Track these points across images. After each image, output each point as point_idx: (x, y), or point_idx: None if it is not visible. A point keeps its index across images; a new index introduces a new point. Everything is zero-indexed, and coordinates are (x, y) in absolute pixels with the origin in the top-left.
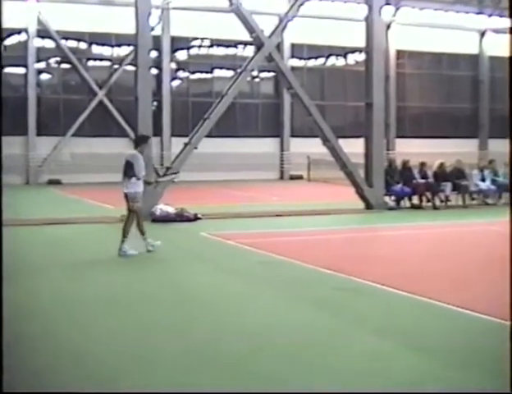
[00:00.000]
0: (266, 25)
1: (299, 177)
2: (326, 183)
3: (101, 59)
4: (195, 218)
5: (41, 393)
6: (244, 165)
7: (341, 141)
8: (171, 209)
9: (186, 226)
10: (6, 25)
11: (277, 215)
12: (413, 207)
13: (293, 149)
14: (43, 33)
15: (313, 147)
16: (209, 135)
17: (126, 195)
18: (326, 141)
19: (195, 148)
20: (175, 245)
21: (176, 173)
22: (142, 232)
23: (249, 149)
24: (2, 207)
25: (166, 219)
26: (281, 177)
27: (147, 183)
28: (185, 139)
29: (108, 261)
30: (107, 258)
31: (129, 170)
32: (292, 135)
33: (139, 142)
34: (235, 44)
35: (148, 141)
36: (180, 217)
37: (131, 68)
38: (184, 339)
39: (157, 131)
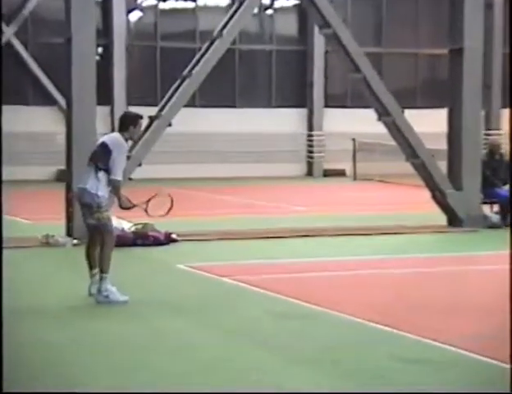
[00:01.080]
0: None
1: (339, 173)
2: (382, 183)
3: None
4: (168, 240)
5: (41, 393)
6: (250, 154)
7: (409, 114)
8: (126, 225)
9: (154, 254)
10: None
11: (301, 235)
12: None
13: (328, 128)
14: None
15: (362, 124)
16: (191, 105)
17: (83, 199)
18: (383, 115)
19: (168, 125)
20: (137, 288)
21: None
22: (92, 264)
23: (256, 128)
24: (1, 207)
25: (119, 242)
26: (310, 173)
27: (122, 207)
28: (152, 111)
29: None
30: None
31: (100, 158)
32: (327, 106)
33: (127, 123)
34: None
35: (140, 122)
36: (144, 239)
37: None
38: None
39: (104, 97)
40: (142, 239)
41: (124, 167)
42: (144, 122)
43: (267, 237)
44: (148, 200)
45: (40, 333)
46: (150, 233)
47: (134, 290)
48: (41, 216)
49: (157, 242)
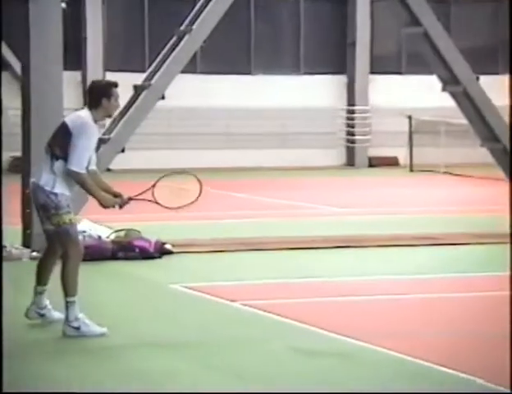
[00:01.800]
0: None
1: (390, 162)
2: (448, 175)
3: None
4: (160, 252)
5: (41, 393)
6: (270, 137)
7: (486, 82)
8: (104, 233)
9: (140, 270)
10: None
11: (338, 246)
12: None
13: (375, 102)
14: None
15: (421, 96)
16: (191, 71)
17: (37, 199)
18: (450, 83)
19: (160, 98)
20: (117, 318)
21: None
22: (41, 278)
23: (278, 102)
24: (1, 210)
25: (95, 254)
26: (350, 162)
27: (105, 206)
28: (138, 79)
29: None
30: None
31: (58, 143)
32: (374, 71)
33: (98, 95)
34: None
35: (115, 93)
36: (127, 251)
37: None
38: None
39: (74, 59)
40: (125, 250)
41: (89, 155)
42: (128, 94)
43: (292, 248)
44: (153, 185)
45: None
46: (136, 242)
47: (114, 319)
48: None
49: (144, 255)
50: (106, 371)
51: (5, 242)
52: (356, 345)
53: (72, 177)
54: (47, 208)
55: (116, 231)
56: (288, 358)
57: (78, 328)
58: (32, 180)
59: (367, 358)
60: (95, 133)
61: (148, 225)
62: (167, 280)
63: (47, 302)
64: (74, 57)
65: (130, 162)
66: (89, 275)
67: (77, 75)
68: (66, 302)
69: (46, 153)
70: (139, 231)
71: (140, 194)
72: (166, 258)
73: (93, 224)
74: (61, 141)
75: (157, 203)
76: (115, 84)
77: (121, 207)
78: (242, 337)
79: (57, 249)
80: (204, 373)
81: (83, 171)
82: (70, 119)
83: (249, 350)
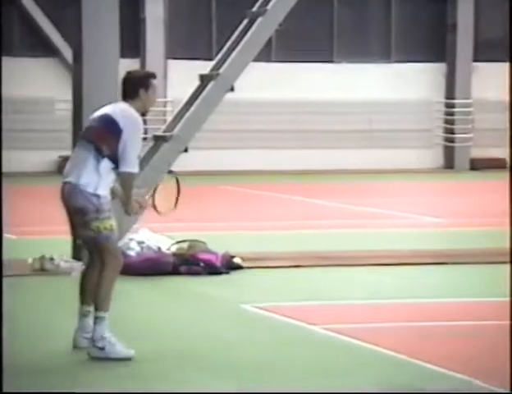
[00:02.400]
0: None
1: (496, 165)
2: None
3: None
4: (228, 267)
5: (41, 393)
6: (354, 134)
7: None
8: (165, 244)
9: (205, 287)
10: None
11: (433, 262)
12: None
13: (479, 94)
14: None
15: None
16: (265, 59)
17: (73, 202)
18: None
19: (230, 89)
20: (175, 341)
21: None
22: (85, 298)
23: (364, 94)
24: (2, 207)
25: (155, 270)
26: (449, 165)
27: (129, 213)
28: (204, 67)
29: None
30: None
31: (105, 139)
32: (478, 59)
33: (135, 87)
34: None
35: (154, 84)
36: (190, 265)
37: None
38: None
39: (132, 45)
40: (188, 264)
41: (139, 147)
42: (193, 85)
43: (381, 264)
44: (155, 190)
45: None
46: (200, 256)
47: (174, 344)
48: (33, 228)
49: (210, 269)
50: None
51: (53, 254)
52: (460, 380)
53: (125, 179)
54: (86, 211)
55: (179, 242)
56: (377, 391)
57: (103, 349)
58: (67, 179)
59: None
60: (142, 128)
61: (215, 235)
62: (237, 299)
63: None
64: (131, 42)
65: (192, 163)
66: (146, 292)
67: (135, 63)
68: (95, 317)
69: (85, 150)
70: (204, 243)
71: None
72: (234, 274)
73: (153, 234)
74: (109, 138)
75: (155, 209)
76: (153, 75)
77: (137, 214)
78: (325, 369)
79: (96, 260)
80: None
81: (136, 171)
82: (116, 113)
83: (336, 384)
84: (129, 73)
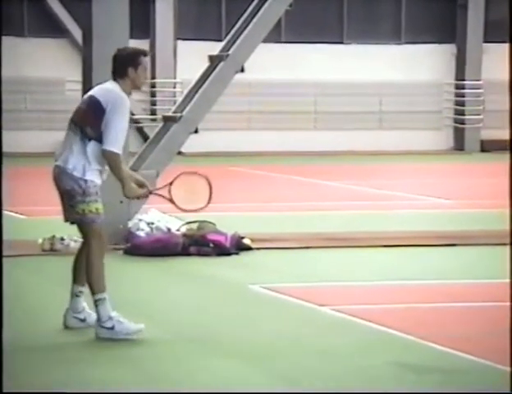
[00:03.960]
0: None
1: (507, 147)
2: None
3: None
4: (237, 248)
5: (41, 393)
6: (364, 115)
7: None
8: (174, 225)
9: (214, 268)
10: None
11: (441, 244)
12: None
13: (490, 75)
14: None
15: None
16: (275, 40)
17: (62, 184)
18: None
19: (240, 70)
20: (186, 323)
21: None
22: (78, 279)
23: (375, 75)
24: (2, 204)
25: (164, 250)
26: (459, 146)
27: (128, 196)
28: (214, 48)
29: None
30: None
31: (89, 120)
32: (488, 40)
33: (124, 65)
34: None
35: (144, 62)
36: (200, 246)
37: None
38: None
39: (141, 26)
40: (197, 245)
41: (126, 133)
42: (203, 66)
43: (390, 246)
44: (171, 183)
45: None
46: (210, 236)
47: (184, 325)
48: (43, 208)
49: (220, 250)
50: (174, 380)
51: (63, 234)
52: (468, 360)
53: (107, 159)
54: (73, 194)
55: (188, 223)
56: (394, 375)
57: (112, 328)
58: (56, 163)
59: (481, 375)
60: (129, 108)
61: (225, 216)
62: (246, 280)
63: (84, 304)
64: (141, 23)
65: (203, 144)
66: (156, 273)
67: (145, 43)
68: (95, 301)
69: (73, 133)
70: (214, 224)
71: (161, 188)
72: (244, 255)
73: (162, 215)
74: (93, 119)
75: (171, 201)
76: (144, 53)
77: (138, 198)
78: (334, 349)
79: (92, 241)
80: (286, 389)
81: (120, 151)
82: (99, 93)
83: (343, 365)
84: (118, 50)
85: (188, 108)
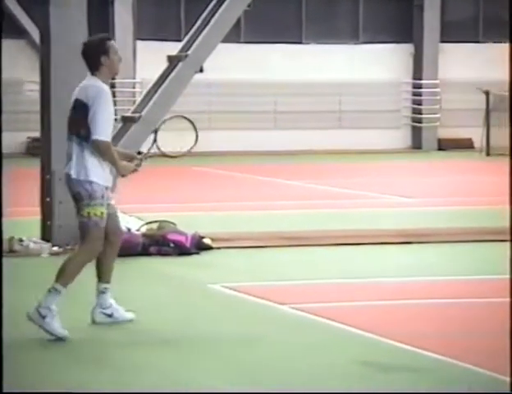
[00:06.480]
0: None
1: (464, 145)
2: None
3: None
4: (197, 247)
5: (41, 393)
6: (323, 115)
7: None
8: (134, 225)
9: (175, 268)
10: None
11: (400, 241)
12: None
13: (446, 75)
14: None
15: (500, 68)
16: (234, 40)
17: (71, 189)
18: None
19: (200, 70)
20: (146, 322)
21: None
22: (102, 277)
23: (333, 75)
24: (2, 202)
25: (124, 250)
26: (417, 145)
27: (124, 175)
28: (173, 49)
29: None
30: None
31: (81, 122)
32: (445, 40)
33: (95, 55)
34: None
35: (113, 46)
36: (160, 246)
37: None
38: None
39: (101, 27)
40: (158, 245)
41: (112, 121)
42: (162, 66)
43: (348, 244)
44: (155, 139)
45: None
46: (170, 236)
47: (143, 324)
48: (2, 209)
49: (180, 250)
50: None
51: (22, 235)
52: (429, 359)
53: (97, 148)
54: (80, 197)
55: (148, 223)
56: (351, 371)
57: (44, 317)
58: (65, 171)
59: (441, 373)
60: (110, 97)
61: (185, 216)
62: (206, 279)
63: (111, 301)
64: (100, 23)
65: (162, 144)
66: (116, 274)
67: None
68: (52, 287)
69: (71, 142)
70: (174, 224)
71: (149, 150)
72: (204, 255)
73: (122, 215)
74: (83, 120)
75: (165, 154)
76: (108, 38)
77: (134, 171)
78: (295, 347)
79: (112, 238)
80: (248, 388)
81: (108, 139)
82: (79, 94)
83: (304, 363)
84: (85, 44)
85: (147, 108)
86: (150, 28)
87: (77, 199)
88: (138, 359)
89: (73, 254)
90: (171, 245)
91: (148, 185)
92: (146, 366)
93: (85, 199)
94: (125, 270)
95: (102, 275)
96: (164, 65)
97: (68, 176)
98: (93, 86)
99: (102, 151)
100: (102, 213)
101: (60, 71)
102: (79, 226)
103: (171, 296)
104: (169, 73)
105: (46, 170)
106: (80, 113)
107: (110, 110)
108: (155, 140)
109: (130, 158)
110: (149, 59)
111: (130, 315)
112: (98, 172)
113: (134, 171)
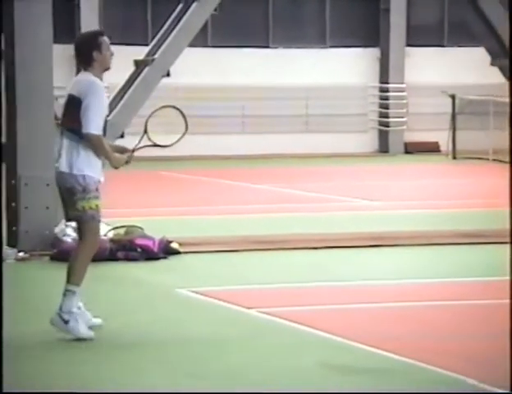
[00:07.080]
0: None
1: (430, 148)
2: (497, 163)
3: None
4: (165, 252)
5: (41, 393)
6: (291, 119)
7: None
8: (102, 230)
9: (142, 272)
10: None
11: (368, 245)
12: None
13: (413, 78)
14: None
15: (466, 72)
16: (201, 44)
17: (64, 183)
18: (500, 56)
19: (167, 75)
20: (113, 327)
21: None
22: (67, 277)
23: (300, 79)
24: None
25: (93, 255)
26: (384, 149)
27: (116, 167)
28: (140, 53)
29: None
30: None
31: (74, 117)
32: (411, 44)
33: (88, 51)
34: None
35: (106, 41)
36: (127, 251)
37: None
38: None
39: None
40: (125, 250)
41: (104, 114)
42: (128, 71)
43: (316, 248)
44: (145, 130)
45: None
46: (137, 241)
47: (110, 330)
48: None
49: (147, 255)
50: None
51: None
52: (395, 361)
53: (88, 141)
54: (74, 191)
55: (115, 228)
56: (319, 375)
57: (66, 322)
58: (57, 169)
59: (410, 375)
60: (103, 91)
61: (153, 220)
62: (174, 283)
63: (80, 304)
64: (66, 27)
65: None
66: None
67: (69, 48)
68: (66, 290)
69: (64, 137)
70: (141, 228)
71: (140, 141)
72: (172, 259)
73: None
74: (76, 113)
75: (156, 145)
76: (100, 32)
77: (126, 163)
78: (262, 351)
79: (85, 236)
80: (213, 389)
81: (100, 132)
82: (72, 89)
83: (270, 366)
84: (77, 39)
85: (114, 113)
86: (116, 31)
87: (70, 194)
88: (107, 362)
89: (76, 251)
90: (139, 249)
91: (115, 190)
92: (113, 368)
93: (79, 193)
94: (93, 275)
95: (67, 275)
96: (131, 69)
97: (59, 172)
98: (85, 80)
99: (94, 144)
100: (97, 205)
101: (24, 76)
102: (75, 221)
103: (139, 301)
104: (136, 77)
105: (11, 175)
106: (73, 108)
107: (102, 103)
108: (145, 131)
109: (122, 151)
110: (116, 63)
111: (97, 321)
112: (90, 166)
113: (127, 163)
